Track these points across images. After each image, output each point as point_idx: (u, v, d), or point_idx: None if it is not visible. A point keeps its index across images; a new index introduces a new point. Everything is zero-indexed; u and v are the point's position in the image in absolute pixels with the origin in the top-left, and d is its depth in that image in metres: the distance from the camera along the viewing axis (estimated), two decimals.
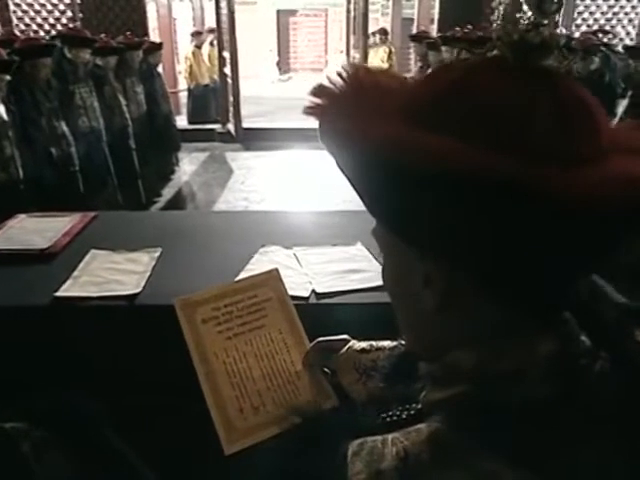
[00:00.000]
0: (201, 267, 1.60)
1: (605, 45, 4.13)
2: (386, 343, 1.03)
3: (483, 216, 0.43)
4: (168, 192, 5.91)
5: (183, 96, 8.95)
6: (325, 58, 17.65)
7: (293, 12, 17.39)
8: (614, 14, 6.72)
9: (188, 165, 6.88)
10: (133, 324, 1.39)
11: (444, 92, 0.48)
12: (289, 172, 6.55)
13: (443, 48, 4.54)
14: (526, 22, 0.51)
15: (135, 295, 1.43)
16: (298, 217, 2.10)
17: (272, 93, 13.37)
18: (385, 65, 8.10)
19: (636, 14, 6.62)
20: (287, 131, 8.12)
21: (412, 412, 0.55)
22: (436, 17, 7.12)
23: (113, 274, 1.55)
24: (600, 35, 4.42)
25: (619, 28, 6.59)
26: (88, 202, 3.89)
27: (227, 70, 7.21)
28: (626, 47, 4.17)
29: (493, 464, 0.42)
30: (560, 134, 0.45)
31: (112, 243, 1.74)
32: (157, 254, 1.67)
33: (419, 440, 0.46)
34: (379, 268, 1.66)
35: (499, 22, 0.54)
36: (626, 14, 6.68)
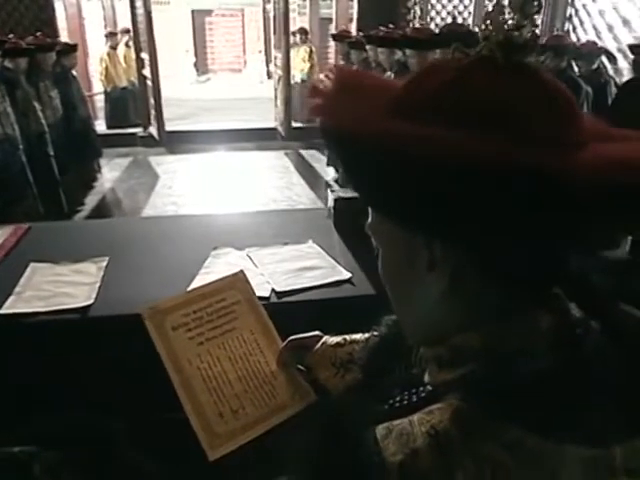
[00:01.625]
0: (154, 274, 1.56)
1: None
2: (359, 336, 1.06)
3: (489, 202, 0.47)
4: (91, 200, 5.65)
5: (99, 100, 8.59)
6: (244, 58, 17.51)
7: (209, 12, 17.08)
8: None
9: (110, 171, 6.60)
10: (88, 336, 1.33)
11: (442, 90, 0.51)
12: (215, 174, 6.46)
13: (367, 47, 4.64)
14: (509, 23, 0.55)
15: (88, 307, 1.38)
16: (245, 218, 2.09)
17: (191, 95, 13.10)
18: (306, 65, 8.18)
19: (539, 14, 7.06)
20: (211, 133, 8.00)
21: (423, 395, 0.57)
22: (355, 17, 7.25)
23: (60, 287, 1.48)
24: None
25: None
26: (7, 214, 3.66)
27: (146, 72, 6.99)
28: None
29: (516, 432, 0.46)
30: (551, 124, 0.49)
31: (52, 255, 1.66)
32: (104, 263, 1.61)
33: (444, 418, 0.48)
34: (334, 264, 1.70)
35: (484, 23, 0.57)
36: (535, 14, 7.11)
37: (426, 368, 0.67)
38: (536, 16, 0.56)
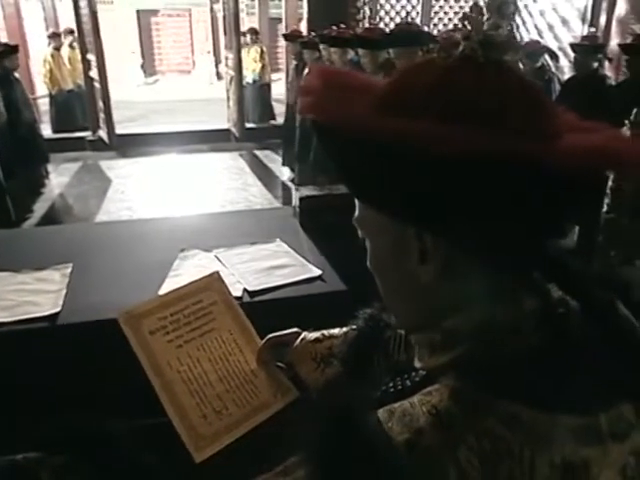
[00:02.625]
0: (122, 278, 1.54)
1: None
2: (336, 330, 1.08)
3: (479, 192, 0.49)
4: (40, 207, 5.46)
5: (44, 103, 8.29)
6: (192, 59, 17.26)
7: (154, 12, 16.73)
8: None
9: (59, 177, 6.39)
10: (58, 345, 1.30)
11: (429, 88, 0.53)
12: (170, 177, 6.35)
13: (321, 46, 4.67)
14: (487, 23, 0.58)
15: (55, 315, 1.34)
16: (210, 219, 2.08)
17: (140, 97, 12.82)
18: (258, 65, 8.15)
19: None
20: (163, 135, 7.86)
21: (417, 379, 0.60)
22: (305, 17, 7.27)
23: (24, 296, 1.44)
24: (453, 33, 4.83)
25: (470, 26, 7.20)
26: None
27: (93, 74, 6.80)
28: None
29: (511, 406, 0.49)
30: (532, 117, 0.52)
31: (11, 264, 1.60)
32: (69, 270, 1.57)
33: (444, 397, 0.51)
34: (303, 262, 1.72)
35: (463, 24, 0.60)
36: None
37: (414, 354, 0.69)
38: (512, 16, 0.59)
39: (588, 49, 3.90)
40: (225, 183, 6.22)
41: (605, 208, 2.73)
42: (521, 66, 4.00)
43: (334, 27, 4.71)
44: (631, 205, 2.79)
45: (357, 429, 0.51)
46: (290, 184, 6.10)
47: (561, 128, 0.55)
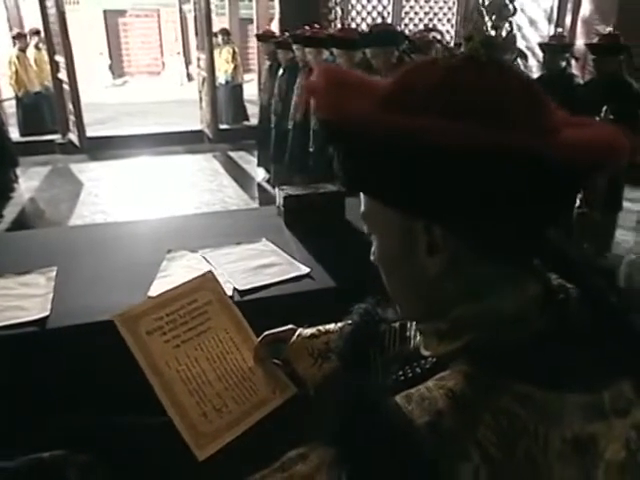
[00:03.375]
0: (109, 280, 1.53)
1: (438, 42, 4.60)
2: (332, 326, 1.10)
3: (489, 185, 0.52)
4: (10, 212, 5.33)
5: (9, 105, 8.09)
6: (162, 60, 17.06)
7: (122, 12, 16.48)
8: (434, 14, 7.45)
9: (29, 181, 6.25)
10: (49, 349, 1.28)
11: (436, 87, 0.55)
12: (144, 180, 6.28)
13: (294, 47, 4.68)
14: (488, 25, 0.60)
15: (44, 319, 1.33)
16: (194, 220, 2.07)
17: (109, 99, 12.62)
18: (230, 65, 8.11)
19: (452, 14, 7.40)
20: (135, 137, 7.77)
21: (427, 366, 0.62)
22: (277, 17, 7.27)
23: (9, 300, 1.42)
24: (432, 33, 4.90)
25: (440, 26, 7.32)
26: None
27: (62, 75, 6.67)
28: (456, 44, 4.71)
29: (523, 386, 0.51)
30: (534, 112, 0.55)
31: None
32: (53, 274, 1.56)
33: (459, 381, 0.53)
34: (291, 260, 1.74)
35: (463, 26, 0.62)
36: (444, 14, 7.45)
37: (414, 344, 0.72)
38: (510, 18, 0.62)
39: (556, 49, 4.00)
40: (200, 185, 6.18)
41: (577, 203, 2.82)
42: None
43: (307, 27, 4.73)
44: (603, 200, 2.89)
45: (379, 413, 0.53)
46: (266, 185, 6.10)
47: (559, 123, 0.58)
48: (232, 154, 7.54)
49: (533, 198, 0.54)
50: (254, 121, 8.43)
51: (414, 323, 1.05)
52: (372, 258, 0.72)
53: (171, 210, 5.00)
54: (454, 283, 0.60)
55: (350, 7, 7.21)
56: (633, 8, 5.20)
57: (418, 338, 1.03)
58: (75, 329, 1.30)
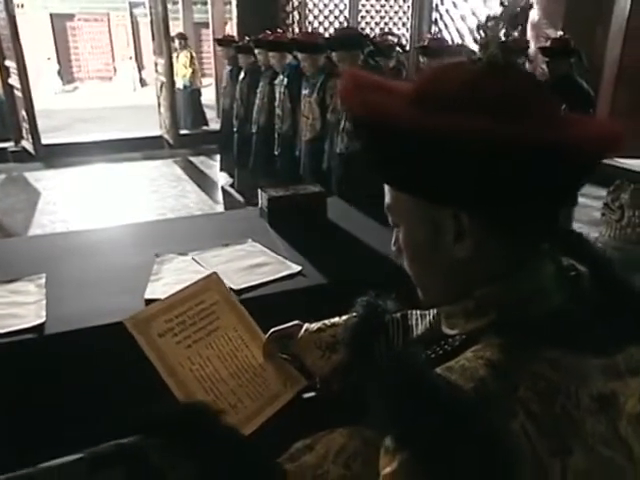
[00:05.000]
0: (101, 285, 1.52)
1: (399, 45, 4.72)
2: (336, 319, 1.15)
3: (514, 175, 0.58)
4: None
5: None
6: (113, 65, 16.70)
7: (69, 16, 16.03)
8: (390, 18, 7.62)
9: None
10: (48, 355, 1.28)
11: (464, 88, 0.61)
12: (104, 187, 6.15)
13: (257, 51, 4.71)
14: (503, 32, 0.67)
15: (41, 325, 1.32)
16: (176, 224, 2.08)
17: (59, 105, 12.28)
18: (188, 70, 8.05)
19: (407, 18, 7.58)
20: (92, 144, 7.60)
21: (456, 343, 0.67)
22: (234, 21, 7.27)
23: (1, 309, 1.40)
24: (389, 37, 5.01)
25: (395, 30, 7.49)
26: None
27: (13, 81, 6.47)
28: (416, 47, 4.84)
29: (552, 352, 0.58)
30: (549, 109, 0.62)
31: None
32: (43, 281, 1.54)
33: (494, 352, 0.58)
34: (281, 259, 1.77)
35: (478, 33, 0.68)
36: (399, 18, 7.63)
37: (440, 324, 0.77)
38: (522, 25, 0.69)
39: (513, 51, 4.18)
40: (162, 191, 6.11)
41: None
42: None
43: (269, 32, 4.77)
44: None
45: (427, 383, 0.58)
46: (230, 189, 6.09)
47: (567, 119, 0.65)
48: (193, 159, 7.48)
49: (550, 185, 0.60)
50: (213, 126, 8.41)
51: (415, 312, 1.12)
52: (393, 248, 0.77)
53: (135, 217, 4.92)
54: (479, 266, 0.65)
55: (307, 11, 7.28)
56: (579, 14, 5.48)
57: (420, 326, 1.09)
58: (74, 334, 1.30)
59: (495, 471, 0.50)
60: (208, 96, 9.55)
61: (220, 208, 5.64)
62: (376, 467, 1.15)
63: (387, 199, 0.71)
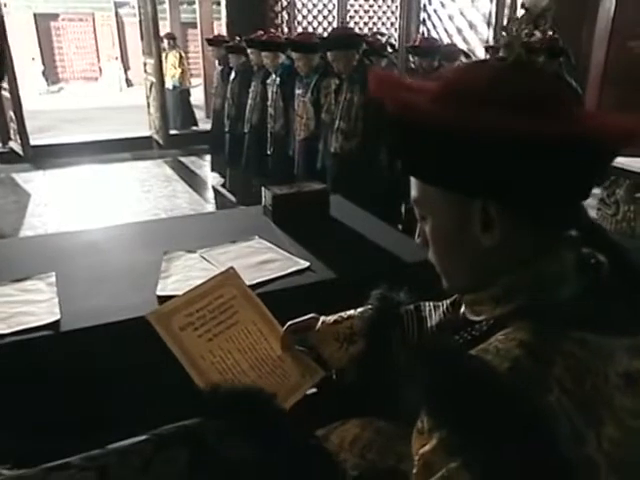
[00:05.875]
0: (112, 282, 1.54)
1: (390, 44, 4.76)
2: (352, 312, 1.18)
3: (541, 168, 0.62)
4: None
5: None
6: (98, 66, 16.57)
7: (54, 16, 15.86)
8: (378, 18, 7.67)
9: None
10: (62, 351, 1.29)
11: (490, 85, 0.65)
12: (95, 188, 6.12)
13: (249, 51, 4.72)
14: (525, 33, 0.70)
15: (56, 322, 1.33)
16: (179, 222, 2.09)
17: (45, 106, 12.16)
18: (177, 71, 8.03)
19: (396, 18, 7.64)
20: (81, 145, 7.56)
21: (485, 328, 0.71)
22: (223, 21, 7.27)
23: (15, 307, 1.41)
24: (378, 36, 5.05)
25: (384, 30, 7.54)
26: None
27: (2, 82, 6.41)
28: (406, 47, 4.88)
29: (578, 333, 0.61)
30: (570, 104, 0.66)
31: None
32: (53, 279, 1.55)
33: (524, 334, 0.62)
34: (288, 255, 1.80)
35: (501, 34, 0.72)
36: (388, 18, 7.69)
37: (458, 312, 0.81)
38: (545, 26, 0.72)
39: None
40: (154, 191, 6.09)
41: None
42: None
43: (262, 31, 4.78)
44: None
45: (464, 363, 0.61)
46: (221, 189, 6.09)
47: (586, 113, 0.69)
48: (183, 159, 7.46)
49: (574, 176, 0.64)
50: (202, 126, 8.40)
51: (428, 304, 1.15)
52: (417, 240, 0.81)
53: (129, 218, 4.91)
54: (505, 253, 0.69)
55: (296, 11, 7.31)
56: (565, 14, 5.56)
57: (434, 317, 1.12)
58: (90, 330, 1.32)
59: (537, 442, 0.53)
60: (196, 96, 9.53)
61: (212, 208, 5.64)
62: (390, 455, 1.19)
63: (415, 193, 0.75)
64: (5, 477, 0.51)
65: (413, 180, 0.74)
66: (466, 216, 0.68)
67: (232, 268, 1.23)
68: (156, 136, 7.41)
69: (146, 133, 7.83)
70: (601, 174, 0.70)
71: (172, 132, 7.69)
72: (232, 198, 5.71)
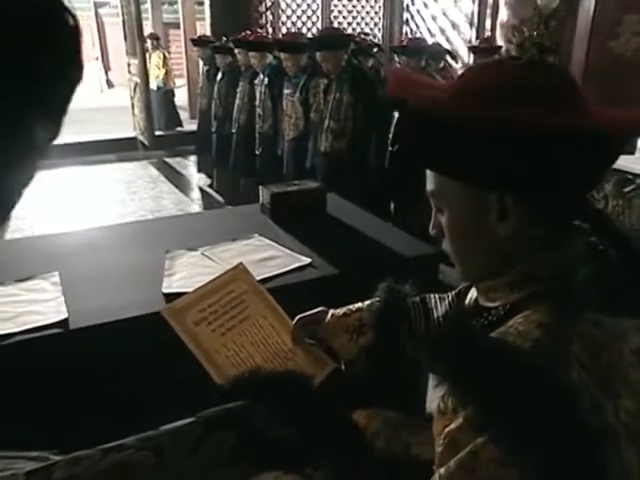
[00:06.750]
0: (116, 281, 1.55)
1: (376, 45, 4.81)
2: (359, 305, 1.21)
3: (555, 158, 0.65)
4: None
5: None
6: None
7: None
8: (362, 18, 7.72)
9: None
10: (71, 349, 1.30)
11: (508, 82, 0.68)
12: (79, 190, 6.07)
13: (236, 51, 4.74)
14: (537, 34, 0.74)
15: (65, 320, 1.34)
16: (178, 222, 2.10)
17: None
18: (161, 71, 8.00)
19: (379, 19, 7.71)
20: (64, 147, 7.35)
21: (502, 313, 0.74)
22: (208, 21, 7.26)
23: (21, 306, 1.41)
24: (362, 36, 5.10)
25: (367, 30, 7.60)
26: None
27: None
28: (391, 47, 4.94)
29: (593, 315, 0.65)
30: (582, 99, 0.70)
31: None
32: (57, 278, 1.56)
33: (542, 317, 0.66)
34: (289, 252, 1.83)
35: (513, 34, 0.76)
36: (371, 19, 7.74)
37: (463, 301, 0.84)
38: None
39: (486, 50, 4.32)
40: (140, 193, 6.06)
41: None
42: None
43: (249, 32, 4.80)
44: None
45: (487, 344, 0.64)
46: (208, 190, 6.09)
47: (596, 107, 0.73)
48: (168, 160, 7.44)
49: (585, 167, 0.68)
50: (187, 127, 8.37)
51: (434, 295, 1.19)
52: (432, 232, 0.84)
53: (116, 219, 4.89)
54: (520, 242, 0.73)
55: (280, 12, 7.32)
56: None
57: (440, 308, 1.16)
58: (99, 328, 1.33)
59: (561, 413, 0.57)
60: (180, 97, 9.50)
61: (199, 209, 5.64)
62: (398, 443, 1.22)
63: (432, 186, 0.78)
64: (67, 457, 0.53)
65: (430, 173, 0.77)
66: (483, 207, 0.72)
67: (242, 264, 1.25)
68: (141, 137, 7.37)
69: (131, 134, 7.78)
70: (609, 165, 0.74)
71: (157, 133, 7.65)
72: (220, 198, 5.71)
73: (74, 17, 0.39)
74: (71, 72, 0.40)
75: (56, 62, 0.38)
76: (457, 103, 0.69)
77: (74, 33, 0.39)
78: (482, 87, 0.70)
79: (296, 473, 0.62)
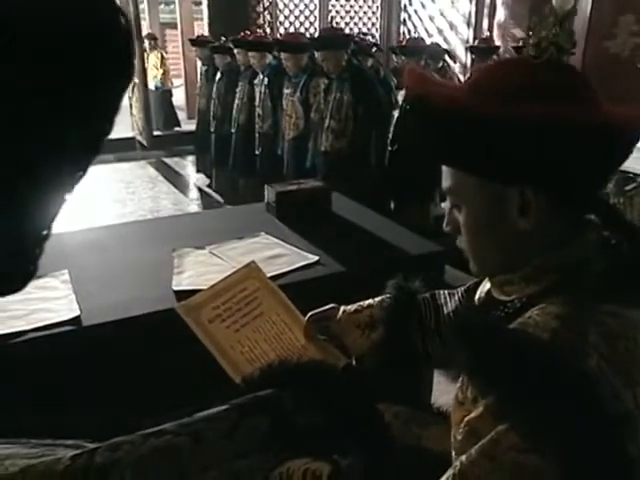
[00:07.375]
0: (126, 278, 1.56)
1: (375, 45, 4.84)
2: (370, 301, 1.23)
3: (574, 152, 0.68)
4: None
5: None
6: None
7: None
8: (359, 19, 7.75)
9: None
10: (85, 346, 1.32)
11: (524, 80, 0.70)
12: (76, 190, 5.93)
13: (236, 51, 4.74)
14: (552, 34, 0.76)
15: (77, 318, 1.36)
16: (183, 221, 2.12)
17: None
18: (159, 71, 8.00)
19: (377, 19, 7.73)
20: None
21: (518, 305, 0.76)
22: (205, 21, 7.26)
23: (33, 304, 1.42)
24: (361, 36, 5.13)
25: (365, 30, 7.62)
26: None
27: None
28: (390, 47, 4.97)
29: (608, 306, 0.67)
30: (597, 96, 0.72)
31: None
32: (67, 276, 1.57)
33: (559, 308, 0.68)
34: (296, 250, 1.84)
35: (529, 34, 0.77)
36: (369, 19, 7.77)
37: (474, 295, 0.86)
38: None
39: (485, 50, 4.35)
40: (139, 193, 6.07)
41: None
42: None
43: (248, 32, 4.81)
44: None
45: (506, 334, 0.66)
46: (207, 189, 6.10)
47: (608, 103, 0.75)
48: (167, 160, 7.44)
49: (601, 162, 0.70)
50: (185, 127, 8.38)
51: (443, 292, 1.21)
52: (446, 229, 0.86)
53: (116, 219, 4.89)
54: (537, 236, 0.75)
55: (278, 12, 7.34)
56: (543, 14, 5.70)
57: (450, 304, 1.18)
58: (112, 325, 1.34)
59: (581, 400, 0.59)
60: (177, 97, 9.50)
61: (198, 209, 5.64)
62: (410, 435, 1.24)
63: (449, 182, 0.80)
64: (107, 443, 0.54)
65: (447, 170, 0.79)
66: (503, 202, 0.74)
67: (253, 262, 1.27)
68: (139, 137, 7.37)
69: (129, 134, 7.77)
70: (624, 160, 0.76)
71: (155, 133, 7.65)
72: (219, 198, 5.72)
73: (126, 18, 0.41)
74: (123, 76, 0.42)
75: (114, 67, 0.40)
76: (479, 100, 0.71)
77: (127, 35, 0.41)
78: (504, 84, 0.71)
79: (324, 460, 0.64)
